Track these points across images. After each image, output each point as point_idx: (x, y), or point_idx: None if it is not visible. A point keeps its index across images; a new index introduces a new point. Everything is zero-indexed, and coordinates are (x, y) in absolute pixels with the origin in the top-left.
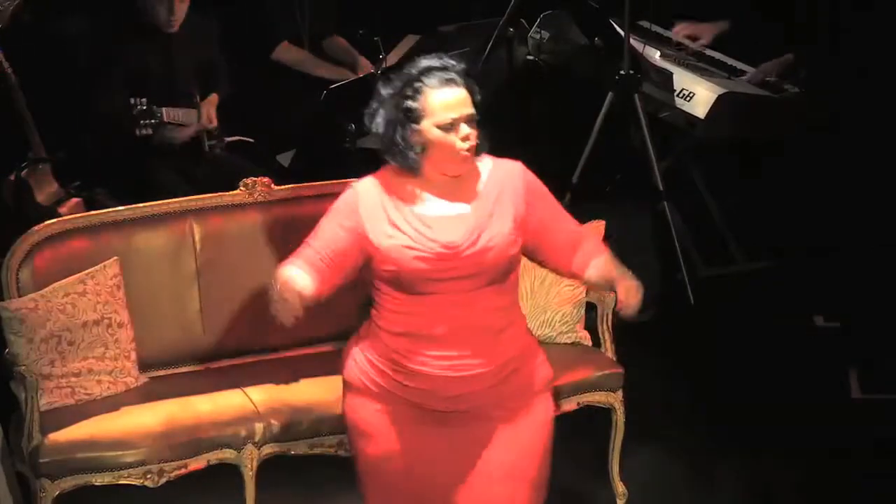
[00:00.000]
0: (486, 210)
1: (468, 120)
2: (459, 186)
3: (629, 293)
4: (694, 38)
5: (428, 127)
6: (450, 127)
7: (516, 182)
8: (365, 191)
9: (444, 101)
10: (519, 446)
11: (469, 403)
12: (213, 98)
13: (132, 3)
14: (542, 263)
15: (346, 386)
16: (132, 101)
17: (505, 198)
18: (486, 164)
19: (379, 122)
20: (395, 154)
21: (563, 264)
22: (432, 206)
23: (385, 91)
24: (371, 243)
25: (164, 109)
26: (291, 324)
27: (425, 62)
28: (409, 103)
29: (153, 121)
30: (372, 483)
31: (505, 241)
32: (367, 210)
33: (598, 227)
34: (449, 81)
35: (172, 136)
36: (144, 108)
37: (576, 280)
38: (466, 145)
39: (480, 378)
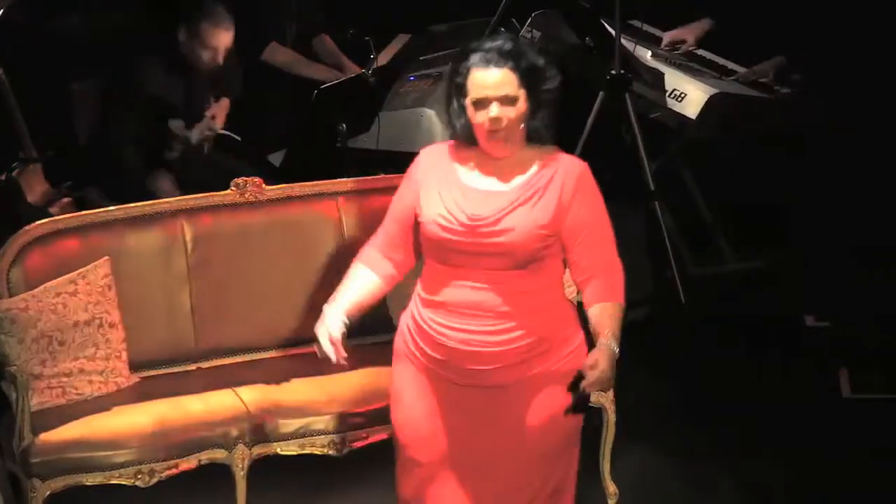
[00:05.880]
0: (525, 195)
1: (502, 100)
2: (512, 167)
3: (594, 368)
4: (680, 43)
5: (468, 103)
6: (480, 105)
7: (570, 178)
8: (426, 156)
9: (479, 79)
10: (534, 428)
11: (488, 381)
12: (225, 103)
13: (171, 39)
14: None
15: (393, 352)
16: (171, 123)
17: (552, 190)
18: (550, 154)
19: (442, 95)
20: (451, 126)
21: (577, 281)
22: (478, 181)
23: (448, 67)
24: (418, 206)
25: (192, 133)
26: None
27: (477, 41)
28: (459, 79)
29: (182, 146)
30: (399, 449)
31: (529, 231)
32: (424, 175)
33: None
34: (489, 61)
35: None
36: (181, 133)
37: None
38: (492, 125)
39: (498, 356)
